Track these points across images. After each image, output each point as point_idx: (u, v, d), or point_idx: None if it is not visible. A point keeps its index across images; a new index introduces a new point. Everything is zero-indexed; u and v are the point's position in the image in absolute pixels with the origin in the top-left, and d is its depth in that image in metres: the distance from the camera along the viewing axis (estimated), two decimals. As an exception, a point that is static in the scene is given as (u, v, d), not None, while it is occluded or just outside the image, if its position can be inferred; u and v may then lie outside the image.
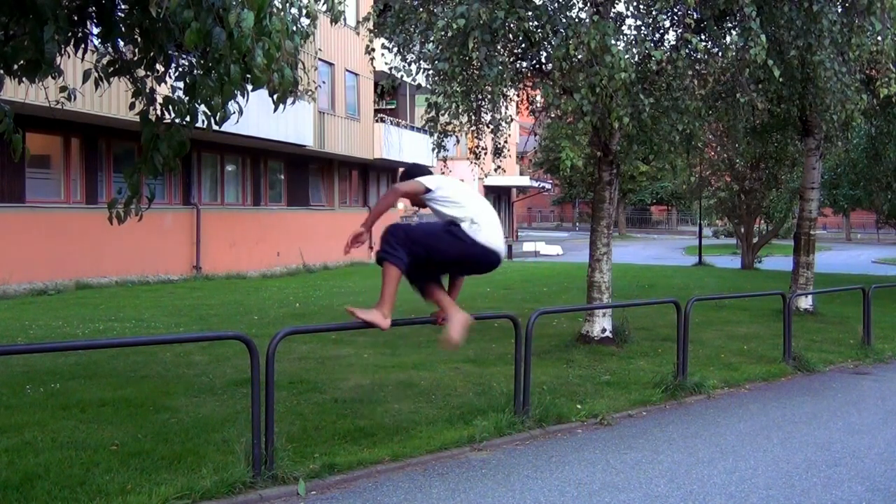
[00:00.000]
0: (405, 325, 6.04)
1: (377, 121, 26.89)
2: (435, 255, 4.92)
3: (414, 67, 10.26)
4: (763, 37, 8.19)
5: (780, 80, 9.55)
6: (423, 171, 5.28)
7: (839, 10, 9.40)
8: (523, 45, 9.39)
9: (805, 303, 14.10)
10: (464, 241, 4.85)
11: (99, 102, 14.00)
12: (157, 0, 4.05)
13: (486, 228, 4.91)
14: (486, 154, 11.14)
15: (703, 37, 9.39)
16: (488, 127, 10.78)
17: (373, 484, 5.04)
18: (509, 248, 37.88)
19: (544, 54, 9.55)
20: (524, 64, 10.10)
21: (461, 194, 4.99)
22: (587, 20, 8.39)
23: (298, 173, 24.29)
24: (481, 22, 7.94)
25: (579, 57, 8.27)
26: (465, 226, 4.87)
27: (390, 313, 4.94)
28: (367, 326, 4.97)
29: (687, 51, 8.66)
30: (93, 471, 4.93)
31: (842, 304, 15.07)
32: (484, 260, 4.96)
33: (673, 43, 9.36)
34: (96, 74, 5.32)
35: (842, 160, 20.49)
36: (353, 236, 4.91)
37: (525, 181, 45.96)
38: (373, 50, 10.79)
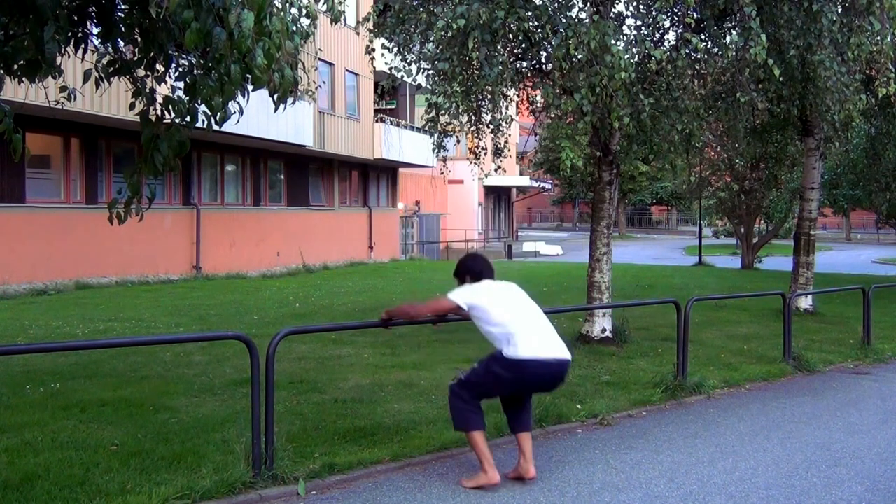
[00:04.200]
0: (405, 326, 6.03)
1: (377, 121, 26.88)
2: (496, 393, 5.19)
3: (414, 67, 10.26)
4: (763, 37, 8.19)
5: (780, 79, 9.55)
6: (467, 269, 5.28)
7: (839, 10, 9.40)
8: (523, 45, 9.39)
9: (805, 303, 14.10)
10: (508, 371, 4.94)
11: (99, 102, 14.01)
12: (157, 0, 4.05)
13: (526, 340, 4.93)
14: (486, 154, 11.14)
15: (703, 37, 9.38)
16: (488, 127, 10.77)
17: (373, 484, 5.04)
18: (509, 248, 37.92)
19: (544, 54, 9.54)
20: (524, 64, 10.09)
21: (493, 308, 5.02)
22: (587, 20, 8.39)
23: (298, 173, 24.28)
24: (481, 22, 7.94)
25: (579, 57, 8.26)
26: (504, 350, 4.94)
27: (491, 466, 5.02)
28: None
29: (687, 51, 8.66)
30: (93, 471, 4.93)
31: (842, 304, 15.07)
32: (545, 376, 5.05)
33: (673, 43, 9.36)
34: (96, 74, 5.31)
35: (842, 160, 20.49)
36: (383, 320, 5.43)
37: (525, 181, 46.00)
38: (373, 50, 10.79)
